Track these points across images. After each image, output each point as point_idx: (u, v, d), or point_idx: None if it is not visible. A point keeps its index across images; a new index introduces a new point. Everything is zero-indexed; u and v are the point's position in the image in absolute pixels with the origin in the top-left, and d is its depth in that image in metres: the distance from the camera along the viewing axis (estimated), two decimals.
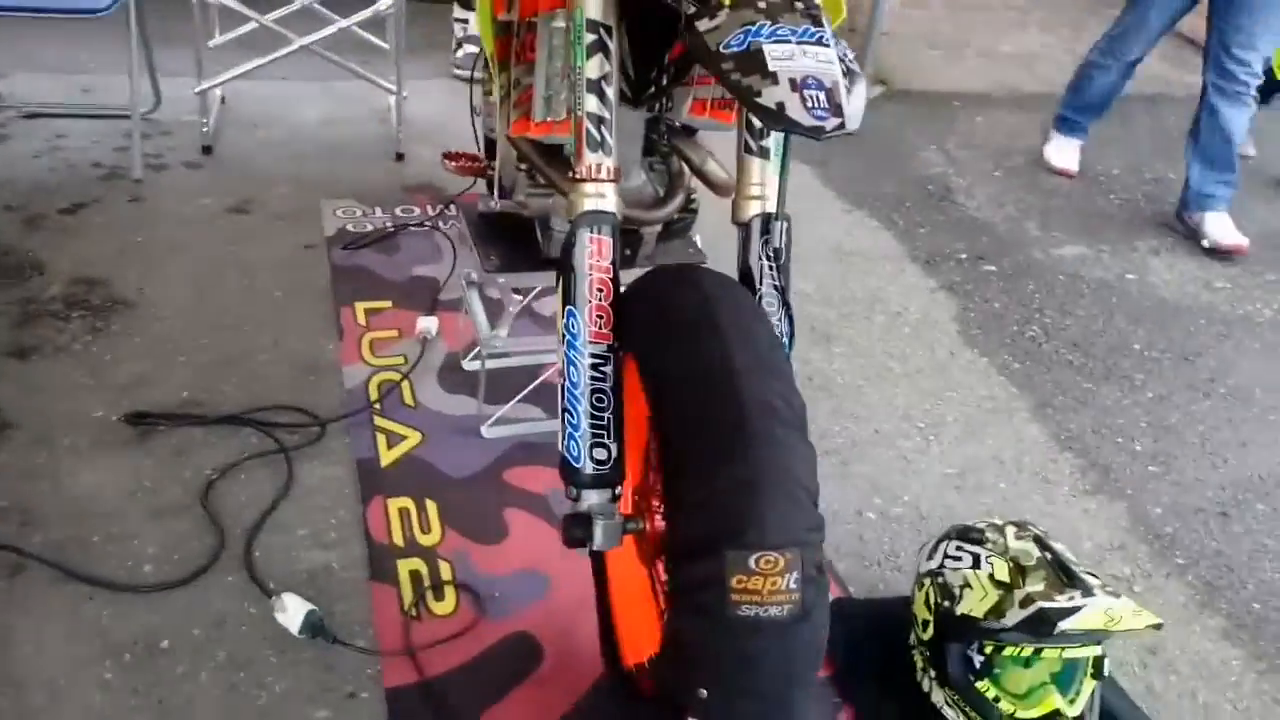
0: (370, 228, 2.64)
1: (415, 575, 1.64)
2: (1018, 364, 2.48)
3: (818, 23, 0.99)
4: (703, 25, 1.01)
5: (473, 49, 3.81)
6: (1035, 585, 1.40)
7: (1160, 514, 2.04)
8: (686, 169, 1.59)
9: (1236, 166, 3.17)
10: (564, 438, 1.21)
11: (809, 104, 0.92)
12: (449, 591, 1.62)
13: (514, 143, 1.55)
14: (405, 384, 2.06)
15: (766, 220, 1.26)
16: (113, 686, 1.42)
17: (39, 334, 2.09)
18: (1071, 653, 1.41)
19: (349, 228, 2.64)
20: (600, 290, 1.19)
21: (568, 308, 1.20)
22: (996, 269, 2.93)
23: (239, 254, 2.47)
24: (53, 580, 1.56)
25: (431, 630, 1.55)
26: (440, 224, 2.68)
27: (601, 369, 1.19)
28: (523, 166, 1.65)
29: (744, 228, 1.28)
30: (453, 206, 2.70)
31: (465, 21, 3.81)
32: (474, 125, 2.10)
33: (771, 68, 0.94)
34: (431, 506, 1.78)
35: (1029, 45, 4.97)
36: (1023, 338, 2.60)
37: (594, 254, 1.20)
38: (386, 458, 1.88)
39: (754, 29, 0.96)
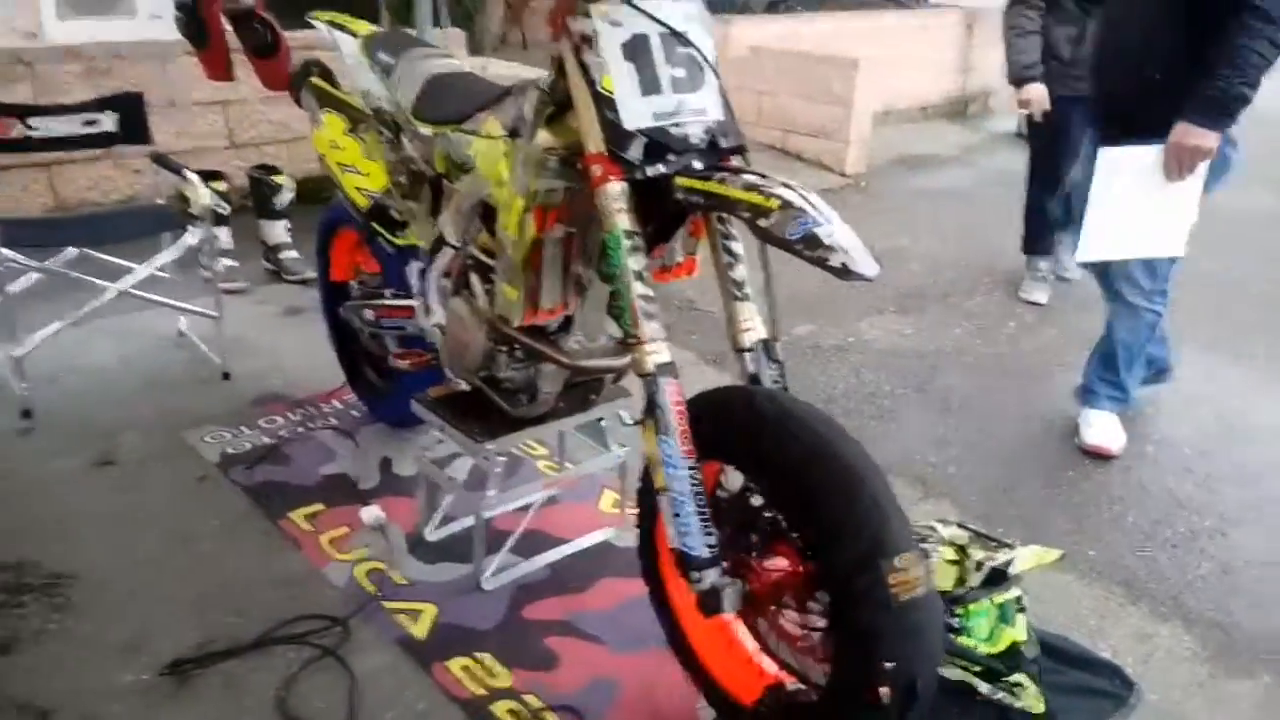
0: (250, 446, 2.74)
1: (514, 713, 1.87)
2: None
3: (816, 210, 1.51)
4: (764, 223, 1.49)
5: (232, 263, 3.93)
6: (978, 554, 1.98)
7: (974, 501, 2.77)
8: None
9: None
10: (678, 537, 1.58)
11: (857, 261, 1.44)
12: (549, 716, 1.87)
13: (505, 331, 1.91)
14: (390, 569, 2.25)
15: (767, 343, 1.75)
16: None
17: (6, 625, 2.01)
18: (1004, 596, 2.00)
19: (230, 451, 2.72)
20: (682, 419, 1.60)
21: (660, 438, 1.59)
22: None
23: (140, 502, 2.48)
24: None
25: None
26: (315, 425, 2.85)
27: (696, 476, 1.60)
28: (503, 348, 2.00)
29: (746, 352, 1.75)
30: (325, 404, 2.90)
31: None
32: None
33: (827, 243, 1.44)
34: (486, 657, 2.01)
35: None
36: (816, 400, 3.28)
37: (673, 394, 1.60)
38: (420, 631, 2.07)
39: (802, 222, 1.46)
